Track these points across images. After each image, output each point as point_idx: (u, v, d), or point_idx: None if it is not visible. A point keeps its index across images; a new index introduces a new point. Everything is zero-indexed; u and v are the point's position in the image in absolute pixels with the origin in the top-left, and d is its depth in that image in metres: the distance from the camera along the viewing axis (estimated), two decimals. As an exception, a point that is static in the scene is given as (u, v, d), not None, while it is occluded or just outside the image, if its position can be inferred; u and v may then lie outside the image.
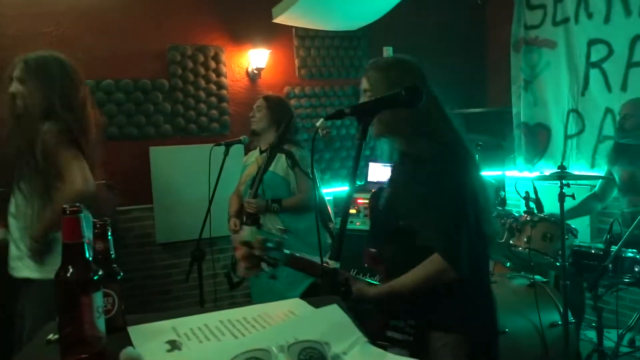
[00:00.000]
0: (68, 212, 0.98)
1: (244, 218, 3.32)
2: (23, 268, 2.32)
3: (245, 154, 3.77)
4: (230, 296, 4.56)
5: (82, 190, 2.19)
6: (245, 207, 3.23)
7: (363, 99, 1.96)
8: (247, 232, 1.75)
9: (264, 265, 1.75)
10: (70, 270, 0.97)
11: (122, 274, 1.17)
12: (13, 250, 2.36)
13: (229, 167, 3.62)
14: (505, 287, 3.42)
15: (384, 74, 1.96)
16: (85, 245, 1.00)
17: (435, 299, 1.78)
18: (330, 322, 1.06)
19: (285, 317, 1.16)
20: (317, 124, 1.49)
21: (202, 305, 3.57)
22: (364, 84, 1.98)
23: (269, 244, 1.73)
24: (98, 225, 1.14)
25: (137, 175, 4.32)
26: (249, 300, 4.59)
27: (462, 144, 1.91)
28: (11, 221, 2.35)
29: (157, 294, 4.41)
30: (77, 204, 1.00)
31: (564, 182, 3.14)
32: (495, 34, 5.62)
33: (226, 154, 3.48)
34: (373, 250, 1.96)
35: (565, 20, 4.69)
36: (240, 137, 3.51)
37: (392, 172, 2.01)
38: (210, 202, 3.36)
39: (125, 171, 4.23)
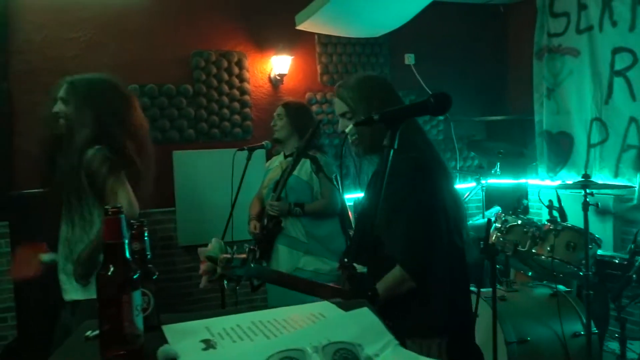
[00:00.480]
0: (110, 212, 1.02)
1: (265, 220, 3.35)
2: (71, 290, 2.34)
3: (268, 159, 3.80)
4: (249, 300, 4.59)
5: (128, 215, 2.20)
6: (268, 209, 3.26)
7: (342, 122, 2.00)
8: (213, 245, 1.74)
9: (225, 281, 1.76)
10: (112, 268, 1.00)
11: (157, 274, 1.20)
12: (61, 273, 2.38)
13: (251, 171, 3.66)
14: (527, 296, 3.41)
15: (357, 91, 1.99)
16: (126, 245, 1.03)
17: (407, 306, 1.81)
18: (361, 325, 1.07)
19: (315, 319, 1.18)
20: (347, 130, 1.51)
21: (223, 308, 3.60)
22: (340, 107, 2.01)
23: (234, 263, 1.72)
24: (135, 226, 1.18)
25: (160, 179, 4.30)
26: (266, 304, 4.62)
27: (435, 156, 1.95)
28: (61, 244, 2.38)
29: (179, 296, 4.46)
30: (119, 205, 1.03)
31: (587, 191, 3.12)
32: (517, 42, 5.60)
33: (249, 158, 3.52)
34: (345, 260, 2.01)
35: (589, 28, 4.66)
36: (263, 142, 3.54)
37: (369, 184, 2.05)
38: (233, 205, 3.39)
39: (149, 174, 4.33)
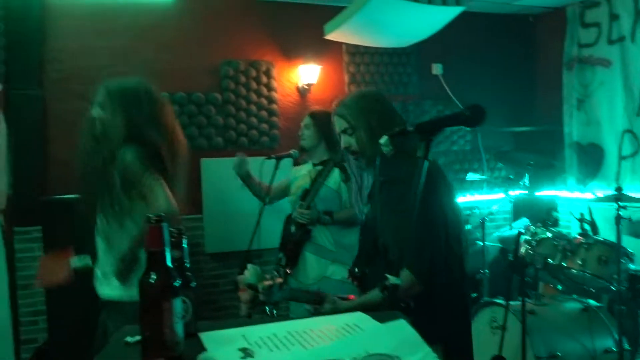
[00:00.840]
0: (152, 221, 1.04)
1: (293, 227, 3.36)
2: (108, 289, 2.36)
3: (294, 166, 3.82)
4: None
5: (166, 211, 2.19)
6: (296, 217, 3.27)
7: (345, 139, 2.08)
8: (250, 272, 1.75)
9: (266, 307, 1.78)
10: (153, 276, 1.02)
11: (195, 282, 1.22)
12: (98, 271, 2.41)
13: (278, 179, 3.69)
14: (557, 310, 3.36)
15: (355, 107, 2.08)
16: (167, 252, 1.05)
17: (409, 313, 1.81)
18: (398, 337, 1.07)
19: (351, 330, 1.18)
20: (381, 141, 1.51)
21: (249, 316, 3.61)
22: (340, 124, 2.09)
23: (274, 288, 1.75)
24: (174, 235, 1.19)
25: (188, 186, 4.41)
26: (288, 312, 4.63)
27: (435, 164, 1.98)
28: (98, 243, 2.41)
29: (205, 303, 4.49)
30: (161, 214, 1.05)
31: (620, 204, 3.07)
32: (546, 52, 5.55)
33: (276, 167, 3.54)
34: (354, 267, 2.05)
35: (621, 38, 4.60)
36: (291, 151, 3.56)
37: (371, 194, 2.09)
38: (260, 213, 3.42)
39: (177, 182, 4.38)
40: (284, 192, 3.54)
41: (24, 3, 3.83)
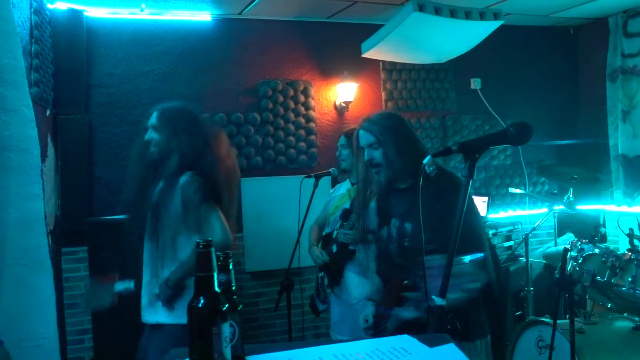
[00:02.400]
0: (201, 246, 1.05)
1: (334, 247, 3.35)
2: (153, 313, 2.39)
3: (333, 185, 3.82)
4: (315, 326, 4.59)
5: (223, 241, 2.23)
6: (341, 238, 3.26)
7: (368, 152, 2.20)
8: None
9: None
10: (202, 300, 1.04)
11: (241, 305, 1.23)
12: (144, 295, 2.45)
13: (317, 198, 3.69)
14: (607, 329, 3.24)
15: (383, 124, 2.20)
16: (215, 277, 1.06)
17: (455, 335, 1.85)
18: (448, 362, 1.06)
19: (399, 354, 1.17)
20: (424, 161, 1.50)
21: (290, 334, 3.61)
22: (367, 139, 2.21)
23: None
24: (222, 258, 1.21)
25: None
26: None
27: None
28: (145, 268, 2.44)
29: (245, 321, 4.48)
30: (209, 239, 1.07)
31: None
32: (588, 63, 5.44)
33: (315, 185, 3.55)
34: (406, 281, 2.09)
35: (667, 48, 4.48)
36: (330, 170, 3.57)
37: (396, 203, 2.22)
38: (300, 232, 3.42)
39: (218, 201, 4.45)
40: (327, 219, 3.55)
41: (71, 32, 3.97)
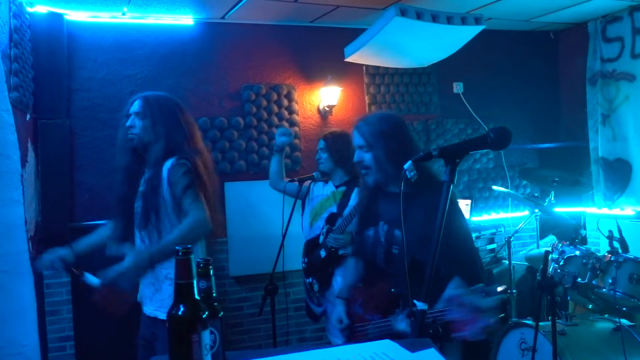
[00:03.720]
0: (180, 253, 1.04)
1: (323, 252, 3.34)
2: (152, 307, 2.40)
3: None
4: (300, 331, 4.59)
5: (205, 227, 2.23)
6: (331, 243, 3.25)
7: (358, 154, 2.19)
8: None
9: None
10: (182, 308, 1.03)
11: (222, 312, 1.22)
12: (144, 286, 2.44)
13: (300, 202, 3.70)
14: (588, 330, 3.28)
15: (377, 128, 2.17)
16: (195, 284, 1.06)
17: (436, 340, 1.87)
18: (429, 367, 1.06)
19: (380, 359, 1.17)
20: (405, 165, 1.51)
21: (274, 339, 3.60)
22: (358, 140, 2.19)
23: None
24: (202, 264, 1.20)
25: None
26: (319, 335, 4.60)
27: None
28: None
29: (229, 326, 4.49)
30: (189, 246, 1.06)
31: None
32: (568, 68, 5.50)
33: (299, 189, 3.56)
34: (393, 290, 2.08)
35: (645, 52, 4.55)
36: (313, 174, 3.57)
37: (386, 207, 2.20)
38: (284, 236, 3.42)
39: (201, 206, 4.43)
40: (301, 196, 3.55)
41: (51, 35, 3.93)
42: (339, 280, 3.24)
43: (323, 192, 3.56)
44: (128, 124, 2.41)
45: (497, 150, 1.53)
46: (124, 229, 2.46)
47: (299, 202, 3.63)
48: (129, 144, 2.41)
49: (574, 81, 5.29)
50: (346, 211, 3.23)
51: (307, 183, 3.63)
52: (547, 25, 5.33)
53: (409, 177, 1.51)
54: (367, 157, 2.16)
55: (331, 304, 3.32)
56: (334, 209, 3.35)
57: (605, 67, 4.91)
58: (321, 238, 3.37)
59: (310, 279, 3.45)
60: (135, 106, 2.43)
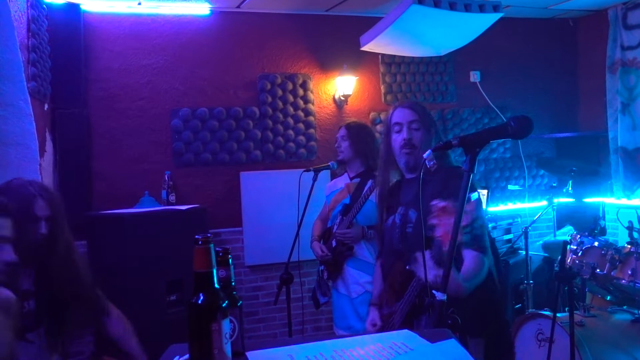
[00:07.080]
0: (200, 242, 1.04)
1: (334, 243, 3.34)
2: None
3: (332, 179, 3.82)
4: (315, 319, 4.60)
5: None
6: (339, 237, 3.25)
7: (407, 131, 2.18)
8: None
9: None
10: (202, 297, 1.03)
11: (241, 301, 1.22)
12: None
13: (317, 192, 3.68)
14: (606, 322, 3.25)
15: (425, 111, 2.23)
16: (215, 273, 1.06)
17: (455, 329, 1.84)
18: (450, 357, 1.05)
19: (400, 350, 1.16)
20: (424, 155, 1.50)
21: (289, 327, 3.61)
22: (409, 116, 2.20)
23: None
24: (221, 253, 1.20)
25: (228, 199, 4.49)
26: (330, 324, 4.61)
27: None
28: None
29: (244, 315, 4.50)
30: (209, 235, 1.06)
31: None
32: (587, 56, 5.42)
33: (315, 179, 3.53)
34: (407, 267, 2.07)
35: (667, 39, 4.46)
36: (329, 163, 3.55)
37: (405, 192, 2.23)
38: (299, 226, 3.42)
39: (217, 195, 4.45)
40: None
41: (68, 25, 3.95)
42: (349, 272, 3.25)
43: (340, 184, 3.54)
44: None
45: (516, 140, 1.52)
46: None
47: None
48: None
49: (593, 69, 5.21)
50: (362, 204, 3.21)
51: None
52: (566, 13, 5.24)
53: (428, 166, 1.50)
54: (417, 135, 2.16)
55: (338, 294, 3.33)
56: (347, 201, 3.34)
57: (626, 55, 4.82)
58: (335, 228, 3.36)
59: (322, 267, 3.46)
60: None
